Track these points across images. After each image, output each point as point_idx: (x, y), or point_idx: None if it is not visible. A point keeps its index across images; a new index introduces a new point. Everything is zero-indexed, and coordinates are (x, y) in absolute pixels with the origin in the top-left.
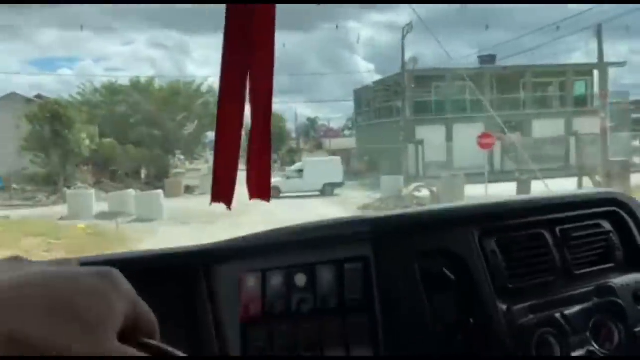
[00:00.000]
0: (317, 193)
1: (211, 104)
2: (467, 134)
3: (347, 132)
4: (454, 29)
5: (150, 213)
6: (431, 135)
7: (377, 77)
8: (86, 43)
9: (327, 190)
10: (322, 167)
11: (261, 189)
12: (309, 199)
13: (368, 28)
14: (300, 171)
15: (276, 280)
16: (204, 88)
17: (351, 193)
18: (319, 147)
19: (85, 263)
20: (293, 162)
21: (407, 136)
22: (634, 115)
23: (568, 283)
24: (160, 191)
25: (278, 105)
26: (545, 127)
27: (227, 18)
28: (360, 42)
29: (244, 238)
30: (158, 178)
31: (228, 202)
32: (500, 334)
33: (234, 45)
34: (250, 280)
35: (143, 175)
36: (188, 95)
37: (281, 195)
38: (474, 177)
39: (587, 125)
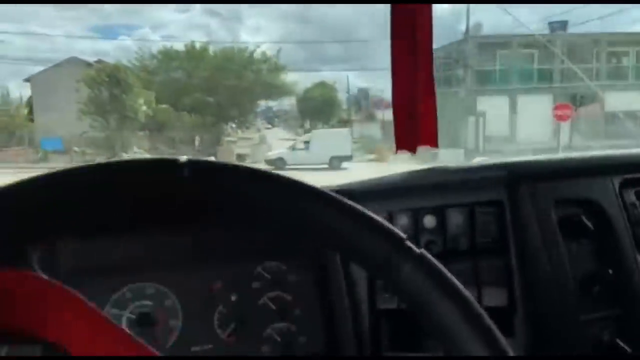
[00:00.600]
0: (325, 166)
1: (263, 71)
2: (532, 105)
3: None
4: None
5: None
6: (494, 106)
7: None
8: (144, 11)
9: (335, 164)
10: (329, 139)
11: (430, 136)
12: (316, 172)
13: None
14: (307, 142)
15: (403, 221)
16: (256, 55)
17: (365, 168)
18: (370, 118)
19: None
20: None
21: (467, 107)
22: None
23: None
24: (211, 159)
25: (328, 73)
26: (619, 100)
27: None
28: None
29: (370, 180)
30: (211, 145)
31: (413, 149)
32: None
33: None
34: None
35: (197, 143)
36: (241, 63)
37: (286, 167)
38: (540, 152)
39: None
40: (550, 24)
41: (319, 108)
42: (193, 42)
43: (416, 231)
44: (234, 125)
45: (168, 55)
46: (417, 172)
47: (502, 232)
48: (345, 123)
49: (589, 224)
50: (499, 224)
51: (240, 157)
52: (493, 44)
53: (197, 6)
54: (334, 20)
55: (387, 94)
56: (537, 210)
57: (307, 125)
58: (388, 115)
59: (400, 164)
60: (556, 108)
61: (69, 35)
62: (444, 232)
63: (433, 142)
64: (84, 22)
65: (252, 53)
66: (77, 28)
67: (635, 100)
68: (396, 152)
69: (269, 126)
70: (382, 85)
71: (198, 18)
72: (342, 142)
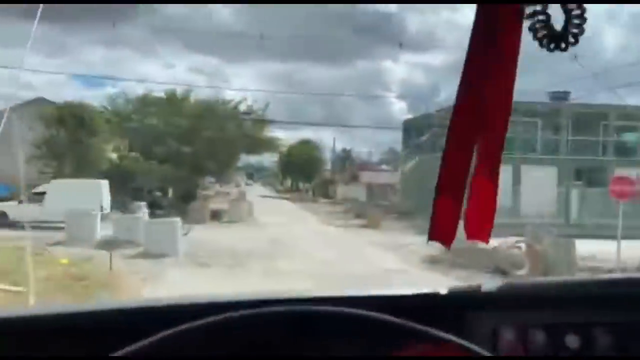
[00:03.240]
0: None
1: (247, 124)
2: (537, 177)
3: (383, 166)
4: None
5: (162, 246)
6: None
7: (409, 116)
8: (130, 64)
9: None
10: (74, 191)
11: (481, 231)
12: None
13: (402, 67)
14: (42, 194)
15: (540, 337)
16: (241, 108)
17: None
18: (354, 178)
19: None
20: (325, 194)
21: None
22: None
23: None
24: (176, 220)
25: (311, 133)
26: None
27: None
28: (394, 81)
29: (495, 284)
30: (184, 199)
31: (448, 242)
32: None
33: (479, 49)
34: (509, 333)
35: (170, 195)
36: (225, 113)
37: (9, 221)
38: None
39: None
40: (550, 93)
41: (301, 166)
42: (174, 89)
43: (556, 350)
44: (212, 179)
45: (145, 101)
46: (550, 281)
47: None
48: (328, 183)
49: None
50: None
51: (216, 214)
52: None
53: (183, 63)
54: (318, 82)
55: (371, 156)
56: None
57: (288, 183)
58: (373, 177)
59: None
60: (615, 181)
61: (51, 82)
62: (590, 354)
63: (485, 236)
64: (68, 69)
65: (237, 104)
66: (60, 76)
67: None
68: (427, 242)
69: (250, 182)
70: (363, 146)
71: (183, 75)
72: (92, 196)
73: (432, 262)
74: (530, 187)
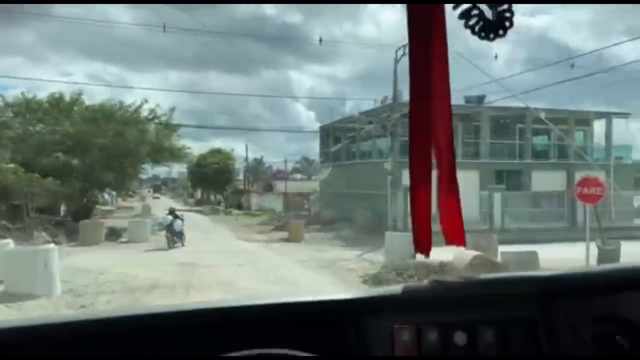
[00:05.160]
0: None
1: (151, 131)
2: (459, 181)
3: (297, 175)
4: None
5: (29, 283)
6: None
7: (317, 125)
8: (21, 71)
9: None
10: None
11: (456, 235)
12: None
13: (309, 78)
14: None
15: (433, 336)
16: (143, 112)
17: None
18: (268, 188)
19: None
20: (239, 205)
21: (395, 180)
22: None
23: None
24: (50, 246)
25: (222, 143)
26: (544, 180)
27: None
28: (301, 91)
29: (397, 288)
30: (76, 217)
31: (428, 252)
32: None
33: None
34: (404, 334)
35: (62, 212)
36: (123, 119)
37: None
38: (471, 234)
39: None
40: (466, 97)
41: (212, 177)
42: (61, 93)
43: (446, 348)
44: (113, 193)
45: (28, 106)
46: (443, 282)
47: (537, 350)
48: (242, 194)
49: (625, 343)
50: (533, 345)
51: (114, 233)
52: None
53: (81, 70)
54: (225, 92)
55: (285, 165)
56: (572, 330)
57: (198, 194)
58: (289, 187)
59: (319, 249)
60: (581, 184)
61: None
62: (475, 351)
63: (461, 241)
64: None
65: (137, 108)
66: None
67: (559, 180)
68: (414, 256)
69: (157, 195)
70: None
71: (82, 84)
72: None
73: (375, 282)
74: None
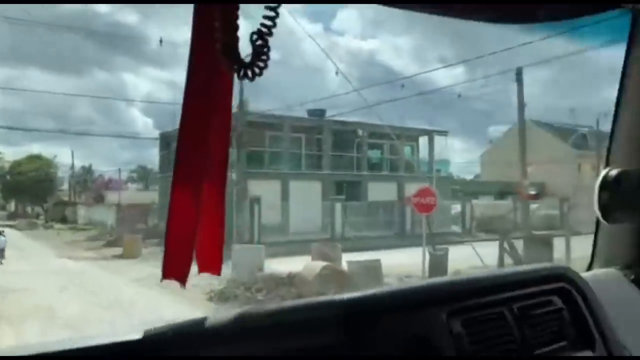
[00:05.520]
0: None
1: None
2: (303, 192)
3: (133, 186)
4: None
5: None
6: (267, 191)
7: (156, 132)
8: None
9: None
10: None
11: (212, 262)
12: None
13: (145, 82)
14: None
15: None
16: None
17: None
18: (99, 199)
19: None
20: (63, 218)
21: (241, 191)
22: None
23: None
24: None
25: (42, 148)
26: (379, 191)
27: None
28: (137, 96)
29: (202, 319)
30: None
31: (183, 279)
32: None
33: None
34: None
35: None
36: None
37: None
38: (305, 244)
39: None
40: (308, 110)
41: (29, 186)
42: None
43: None
44: None
45: None
46: (250, 311)
47: None
48: (66, 205)
49: None
50: None
51: None
52: (263, 124)
53: None
54: (47, 91)
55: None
56: (377, 354)
57: (12, 207)
58: (123, 198)
59: (158, 265)
60: (419, 194)
61: None
62: None
63: (216, 268)
64: None
65: None
66: None
67: (392, 192)
68: (162, 280)
69: None
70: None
71: None
72: None
73: (222, 298)
74: (298, 203)
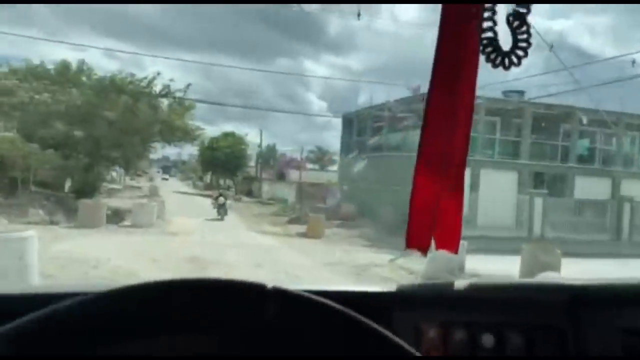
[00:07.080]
0: None
1: (163, 107)
2: (495, 181)
3: (309, 165)
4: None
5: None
6: None
7: (330, 115)
8: (36, 45)
9: None
10: None
11: (450, 241)
12: None
13: (323, 68)
14: None
15: (460, 336)
16: (156, 87)
17: None
18: (281, 177)
19: None
20: (249, 192)
21: None
22: None
23: None
24: (28, 234)
25: (233, 127)
26: (587, 187)
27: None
28: (315, 81)
29: (426, 285)
30: (79, 194)
31: (424, 250)
32: None
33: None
34: (431, 332)
35: (67, 188)
36: (134, 93)
37: None
38: (506, 242)
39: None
40: (504, 92)
41: (223, 161)
42: (66, 60)
43: (473, 349)
44: (120, 170)
45: (33, 73)
46: (472, 283)
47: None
48: (252, 181)
49: None
50: (560, 352)
51: (117, 214)
52: None
53: (94, 47)
54: (238, 81)
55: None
56: (601, 340)
57: (208, 178)
58: (303, 176)
59: (342, 249)
60: None
61: None
62: (502, 353)
63: (453, 247)
64: None
65: (150, 82)
66: None
67: (604, 189)
68: (405, 249)
69: (166, 176)
70: (286, 144)
71: (95, 59)
72: None
73: None
74: (488, 194)
